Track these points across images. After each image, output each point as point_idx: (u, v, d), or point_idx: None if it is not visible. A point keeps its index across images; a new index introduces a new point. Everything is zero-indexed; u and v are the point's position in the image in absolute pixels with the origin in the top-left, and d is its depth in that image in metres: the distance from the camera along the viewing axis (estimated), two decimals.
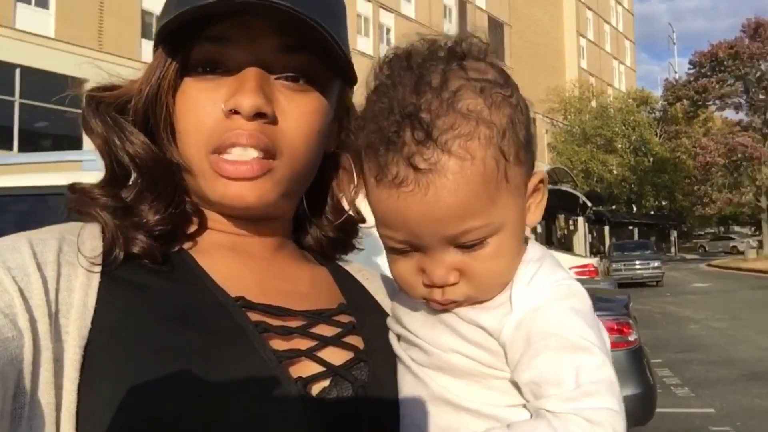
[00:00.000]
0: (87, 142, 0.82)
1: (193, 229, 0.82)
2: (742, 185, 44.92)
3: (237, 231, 0.83)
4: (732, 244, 51.21)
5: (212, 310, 0.72)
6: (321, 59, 0.78)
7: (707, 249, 53.70)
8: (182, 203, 0.81)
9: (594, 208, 31.56)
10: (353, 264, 1.00)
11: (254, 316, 0.74)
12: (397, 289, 0.81)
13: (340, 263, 0.98)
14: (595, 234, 40.87)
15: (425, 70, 0.70)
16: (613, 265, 24.86)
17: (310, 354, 0.74)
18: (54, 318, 0.65)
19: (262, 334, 0.72)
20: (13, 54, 17.05)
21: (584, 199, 29.12)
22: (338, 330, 0.80)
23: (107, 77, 0.83)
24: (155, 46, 0.79)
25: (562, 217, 35.86)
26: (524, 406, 0.70)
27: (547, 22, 50.35)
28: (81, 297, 0.68)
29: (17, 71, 17.55)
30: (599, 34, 58.94)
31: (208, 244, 0.81)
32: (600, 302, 5.56)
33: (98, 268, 0.71)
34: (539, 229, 32.42)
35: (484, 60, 0.73)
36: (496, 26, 42.09)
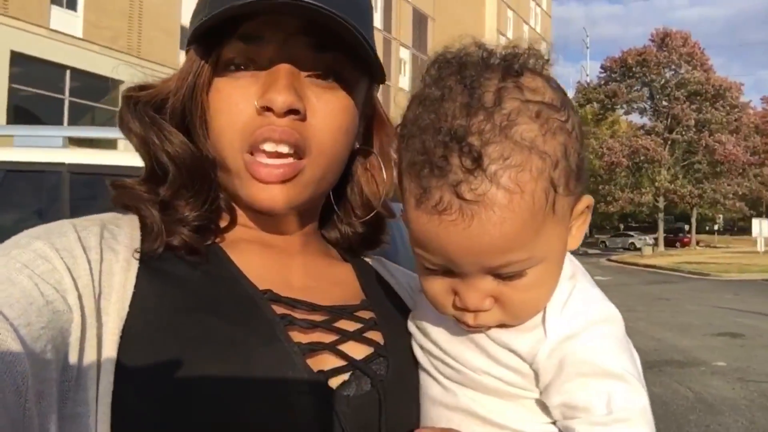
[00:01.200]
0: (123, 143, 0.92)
1: (224, 223, 0.84)
2: (643, 186, 47.53)
3: (265, 226, 0.85)
4: (630, 240, 53.84)
5: (241, 302, 0.75)
6: (350, 58, 0.79)
7: (607, 245, 56.27)
8: (217, 199, 0.83)
9: None
10: (377, 258, 1.02)
11: (280, 309, 0.76)
12: (419, 289, 0.78)
13: (366, 259, 1.00)
14: None
15: (478, 85, 0.65)
16: None
17: (332, 347, 0.76)
18: (98, 299, 0.68)
19: (287, 326, 0.74)
20: None
21: None
22: (359, 325, 0.81)
23: (143, 77, 0.85)
24: (188, 45, 0.80)
25: None
26: (553, 423, 0.70)
27: (469, 18, 51.17)
28: (120, 281, 0.71)
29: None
30: (518, 33, 60.44)
31: (238, 239, 0.84)
32: None
33: (137, 256, 0.74)
34: None
35: (541, 75, 0.69)
36: (420, 19, 42.55)
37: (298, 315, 0.77)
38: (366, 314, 0.84)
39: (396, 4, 39.83)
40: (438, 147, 0.63)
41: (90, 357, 0.65)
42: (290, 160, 0.77)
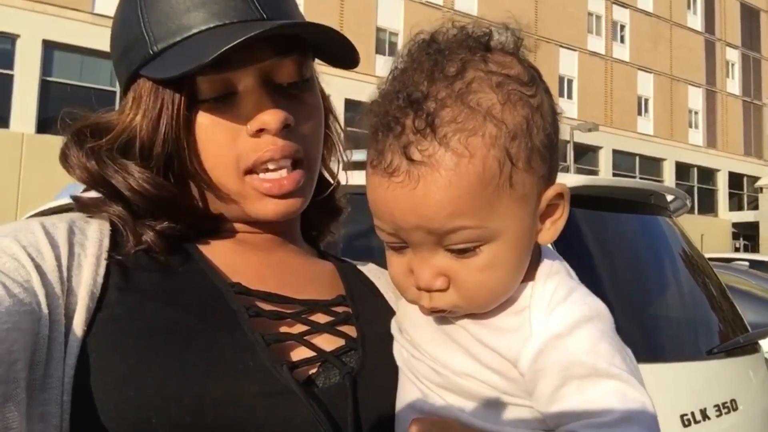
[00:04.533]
0: None
1: (201, 225, 0.84)
2: None
3: (245, 228, 0.85)
4: None
5: (207, 294, 0.75)
6: (309, 52, 0.82)
7: None
8: (193, 218, 0.82)
9: None
10: (368, 264, 1.00)
11: (249, 302, 0.75)
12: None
13: (354, 263, 0.98)
14: None
15: (444, 57, 0.65)
16: None
17: (300, 339, 0.75)
18: (66, 295, 0.69)
19: (253, 318, 0.73)
20: None
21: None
22: (332, 319, 0.80)
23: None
24: (154, 85, 0.77)
25: None
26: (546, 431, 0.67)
27: None
28: (89, 277, 0.71)
29: None
30: None
31: (215, 237, 0.84)
32: None
33: (105, 254, 0.75)
34: None
35: (514, 55, 0.68)
36: (750, 13, 37.70)
37: (266, 307, 0.76)
38: (341, 309, 0.83)
39: (720, 1, 35.92)
40: (395, 111, 0.64)
41: (57, 355, 0.66)
42: (292, 169, 0.79)
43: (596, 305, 0.68)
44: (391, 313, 0.84)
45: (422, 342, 0.73)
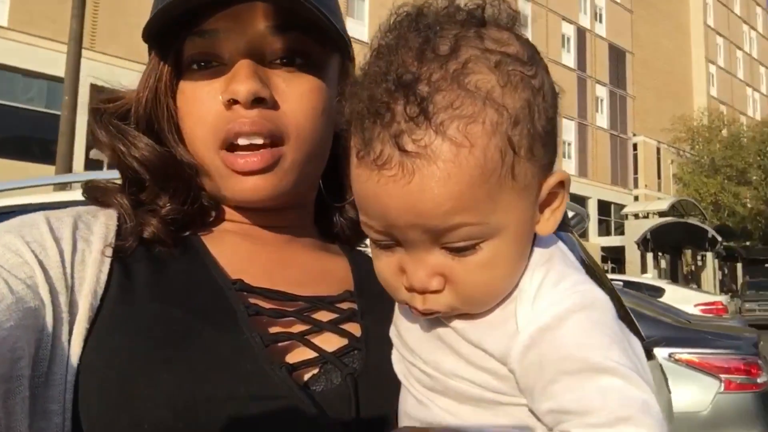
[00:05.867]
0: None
1: (209, 219, 0.83)
2: None
3: (253, 221, 0.83)
4: None
5: (207, 292, 0.73)
6: (313, 36, 0.76)
7: None
8: (198, 199, 0.81)
9: (725, 243, 29.56)
10: None
11: (249, 300, 0.73)
12: None
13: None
14: (726, 271, 38.20)
15: (434, 34, 0.59)
16: (746, 305, 23.05)
17: (300, 339, 0.72)
18: (70, 291, 0.68)
19: (252, 317, 0.71)
20: None
21: (713, 233, 27.39)
22: (336, 316, 0.77)
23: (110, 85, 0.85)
24: (149, 50, 0.80)
25: (689, 252, 33.84)
26: None
27: (673, 49, 48.29)
28: (94, 273, 0.70)
29: None
30: (731, 60, 55.77)
31: (222, 232, 0.82)
32: (725, 339, 5.19)
33: (109, 251, 0.73)
34: (663, 264, 30.76)
35: (510, 30, 0.62)
36: (617, 54, 40.87)
37: (268, 305, 0.74)
38: (346, 305, 0.79)
39: (590, 41, 38.71)
40: (383, 95, 0.57)
41: (61, 352, 0.65)
42: (266, 144, 0.75)
43: (590, 293, 0.61)
44: None
45: (413, 344, 0.68)
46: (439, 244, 0.59)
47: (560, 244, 0.67)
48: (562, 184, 0.64)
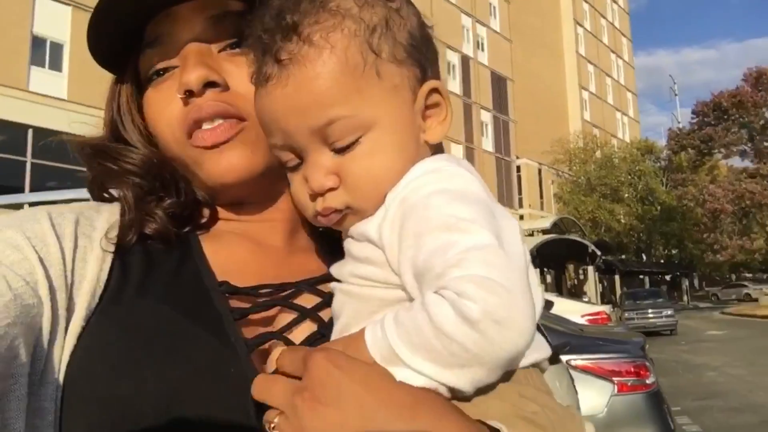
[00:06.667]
0: None
1: (205, 218, 0.84)
2: (752, 231, 44.72)
3: (246, 218, 0.84)
4: (745, 291, 50.54)
5: (196, 294, 0.73)
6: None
7: (720, 297, 52.97)
8: (192, 192, 0.83)
9: (603, 257, 31.38)
10: None
11: (236, 301, 0.74)
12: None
13: None
14: (605, 283, 40.49)
15: None
16: (626, 314, 24.49)
17: (281, 336, 0.73)
18: (70, 288, 0.68)
19: (237, 321, 0.72)
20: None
21: (593, 248, 29.01)
22: (319, 300, 0.78)
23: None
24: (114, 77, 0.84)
25: (571, 266, 35.65)
26: None
27: (549, 76, 51.18)
28: (95, 270, 0.71)
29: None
30: (601, 86, 59.81)
31: (218, 232, 0.83)
32: (615, 344, 5.50)
33: (113, 245, 0.74)
34: (549, 279, 32.21)
35: None
36: (499, 81, 42.81)
37: (252, 304, 0.75)
38: (328, 289, 0.78)
39: (474, 69, 40.31)
40: (266, 32, 0.68)
41: (57, 350, 0.65)
42: (231, 122, 0.77)
43: (456, 169, 0.67)
44: None
45: (333, 270, 0.74)
46: (328, 145, 0.67)
47: (462, 164, 0.70)
48: (439, 92, 0.72)
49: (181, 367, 0.66)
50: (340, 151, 0.67)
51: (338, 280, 0.73)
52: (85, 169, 0.84)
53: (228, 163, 0.77)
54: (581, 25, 57.12)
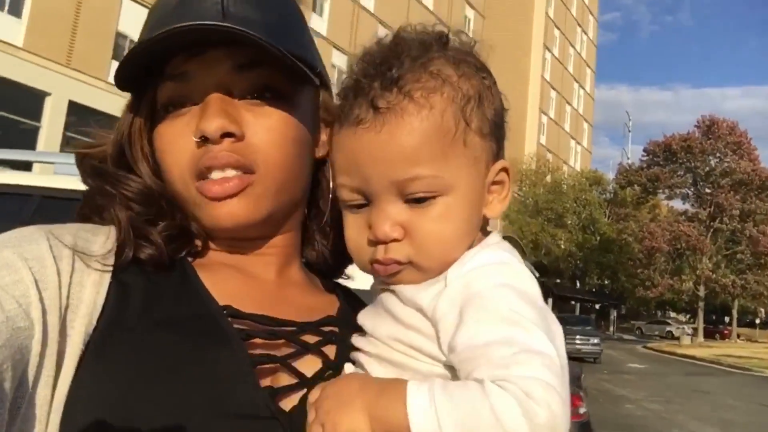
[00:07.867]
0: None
1: (198, 248, 0.85)
2: (683, 273, 46.41)
3: (240, 252, 0.85)
4: (668, 329, 52.43)
5: (198, 317, 0.74)
6: (280, 70, 0.78)
7: (644, 331, 54.77)
8: (187, 220, 0.84)
9: (540, 279, 32.01)
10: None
11: (241, 325, 0.76)
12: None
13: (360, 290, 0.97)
14: None
15: (407, 46, 0.73)
16: None
17: (284, 362, 0.76)
18: (64, 312, 0.68)
19: (245, 341, 0.74)
20: None
21: (531, 268, 29.54)
22: (320, 338, 0.81)
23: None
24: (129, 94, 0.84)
25: None
26: None
27: (512, 98, 51.74)
28: (92, 294, 0.71)
29: None
30: (561, 113, 61.03)
31: (212, 261, 0.84)
32: None
33: (110, 268, 0.74)
34: None
35: (469, 51, 0.76)
36: None
37: (257, 329, 0.77)
38: (328, 328, 0.83)
39: None
40: (364, 77, 0.71)
41: (48, 373, 0.65)
42: (238, 174, 0.78)
43: (519, 267, 0.71)
44: None
45: (363, 320, 0.77)
46: (402, 196, 0.70)
47: (512, 252, 0.75)
48: (507, 172, 0.77)
49: (194, 387, 0.68)
50: (413, 202, 0.70)
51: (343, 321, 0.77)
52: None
53: (229, 211, 0.78)
54: (550, 51, 58.14)
